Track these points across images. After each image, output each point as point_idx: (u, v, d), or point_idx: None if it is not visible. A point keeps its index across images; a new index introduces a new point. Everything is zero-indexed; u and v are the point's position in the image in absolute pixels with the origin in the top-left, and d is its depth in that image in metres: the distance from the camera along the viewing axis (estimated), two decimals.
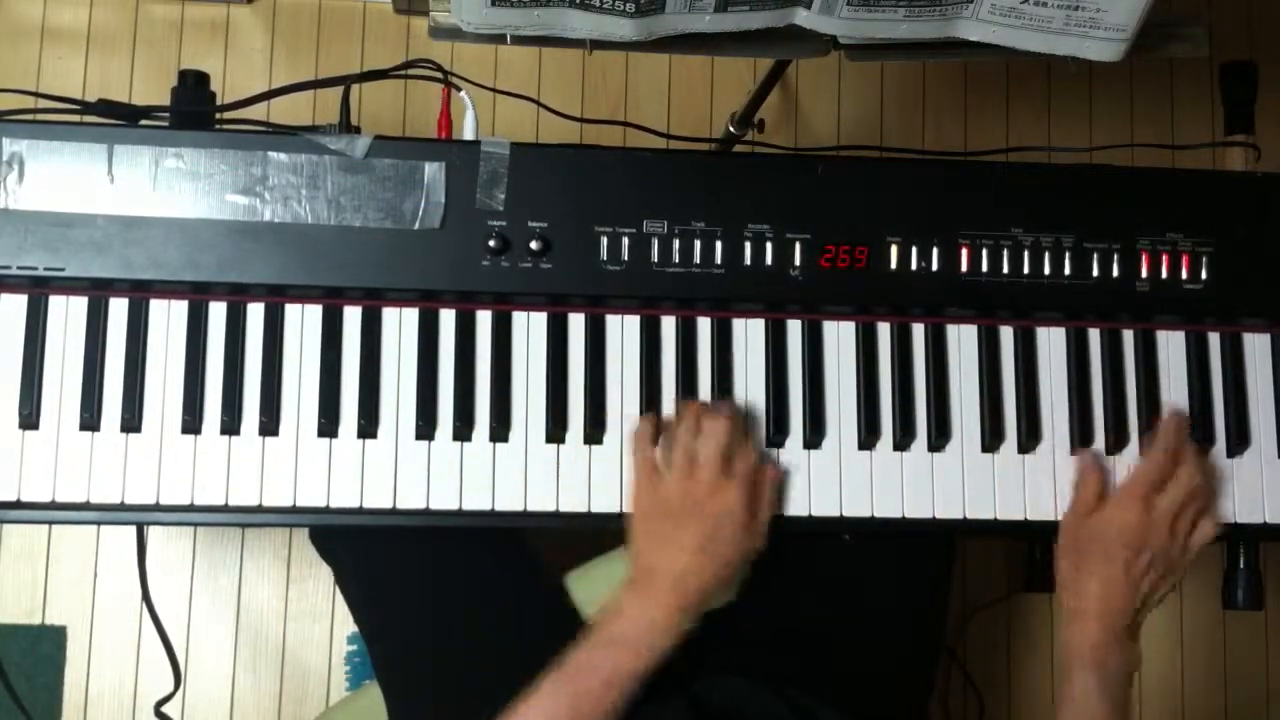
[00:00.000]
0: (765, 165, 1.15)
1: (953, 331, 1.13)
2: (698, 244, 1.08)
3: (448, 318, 1.08)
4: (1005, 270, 1.12)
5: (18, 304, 1.03)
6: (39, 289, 1.03)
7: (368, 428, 1.05)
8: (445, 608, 1.19)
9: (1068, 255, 1.12)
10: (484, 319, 1.08)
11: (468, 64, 1.36)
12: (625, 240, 1.08)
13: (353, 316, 1.06)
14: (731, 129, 1.75)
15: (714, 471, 1.02)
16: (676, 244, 1.08)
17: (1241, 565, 1.18)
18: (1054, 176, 1.16)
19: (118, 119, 1.08)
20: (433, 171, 1.05)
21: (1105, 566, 1.06)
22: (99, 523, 1.05)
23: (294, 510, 1.04)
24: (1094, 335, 1.15)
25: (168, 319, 1.05)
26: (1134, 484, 1.08)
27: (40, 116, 1.07)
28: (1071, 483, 1.11)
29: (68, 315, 1.03)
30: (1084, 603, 1.06)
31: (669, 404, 1.09)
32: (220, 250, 1.03)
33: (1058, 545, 1.10)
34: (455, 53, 1.71)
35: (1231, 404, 1.15)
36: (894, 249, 1.11)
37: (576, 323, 1.09)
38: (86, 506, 1.02)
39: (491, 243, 1.05)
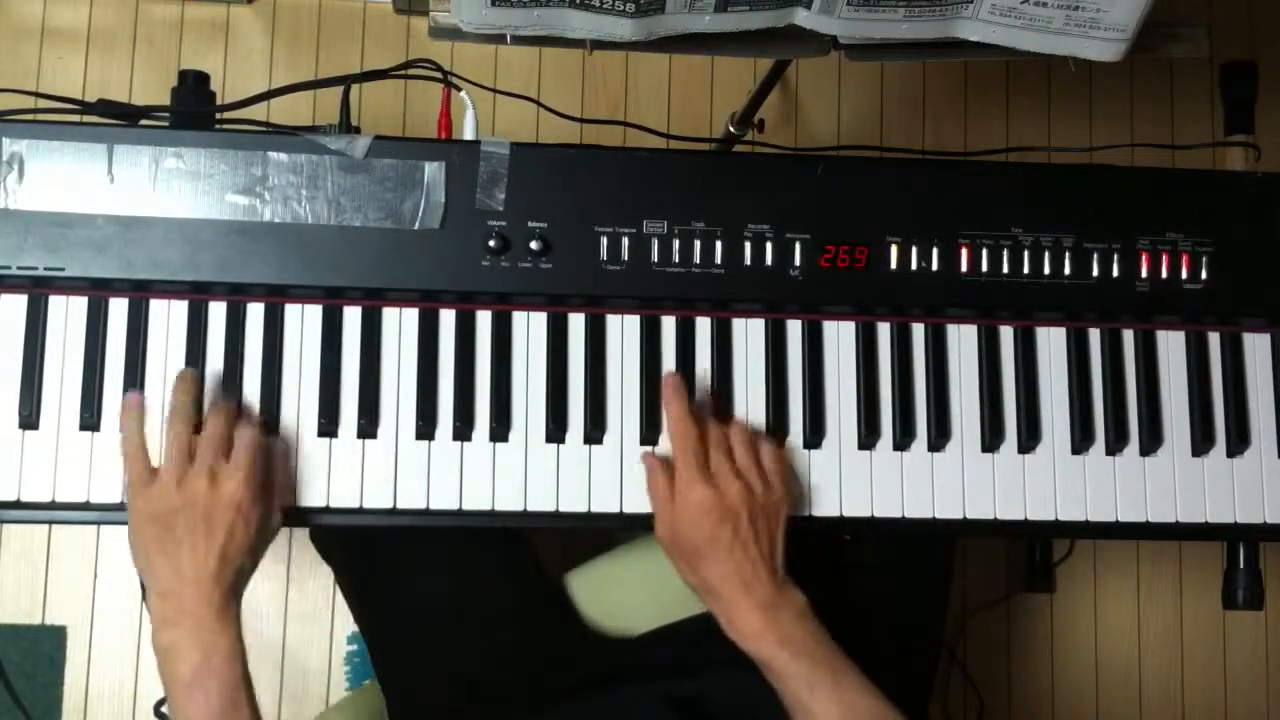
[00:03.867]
0: (765, 165, 1.15)
1: (953, 331, 1.13)
2: (698, 244, 1.08)
3: (448, 318, 1.08)
4: (1005, 270, 1.12)
5: (18, 304, 1.03)
6: (39, 289, 1.03)
7: (368, 428, 1.05)
8: (445, 608, 1.19)
9: (1068, 255, 1.12)
10: (484, 319, 1.08)
11: (468, 64, 1.36)
12: (625, 240, 1.08)
13: (353, 316, 1.06)
14: (731, 129, 1.75)
15: (209, 467, 0.96)
16: (676, 244, 1.08)
17: (1241, 565, 1.18)
18: (1054, 176, 1.16)
19: (118, 119, 1.08)
20: (433, 171, 1.05)
21: (716, 550, 1.01)
22: (99, 523, 1.05)
23: (294, 510, 1.04)
24: (1094, 335, 1.15)
25: (168, 319, 1.05)
26: (681, 465, 1.03)
27: (40, 116, 1.07)
28: (647, 486, 1.06)
29: (68, 315, 1.03)
30: (726, 592, 1.01)
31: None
32: (220, 250, 1.03)
33: (673, 563, 1.05)
34: (455, 53, 1.71)
35: (1231, 404, 1.15)
36: (894, 249, 1.11)
37: (576, 323, 1.09)
38: (86, 506, 1.02)
39: (491, 243, 1.05)
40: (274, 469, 1.01)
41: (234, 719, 0.93)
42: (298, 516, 1.04)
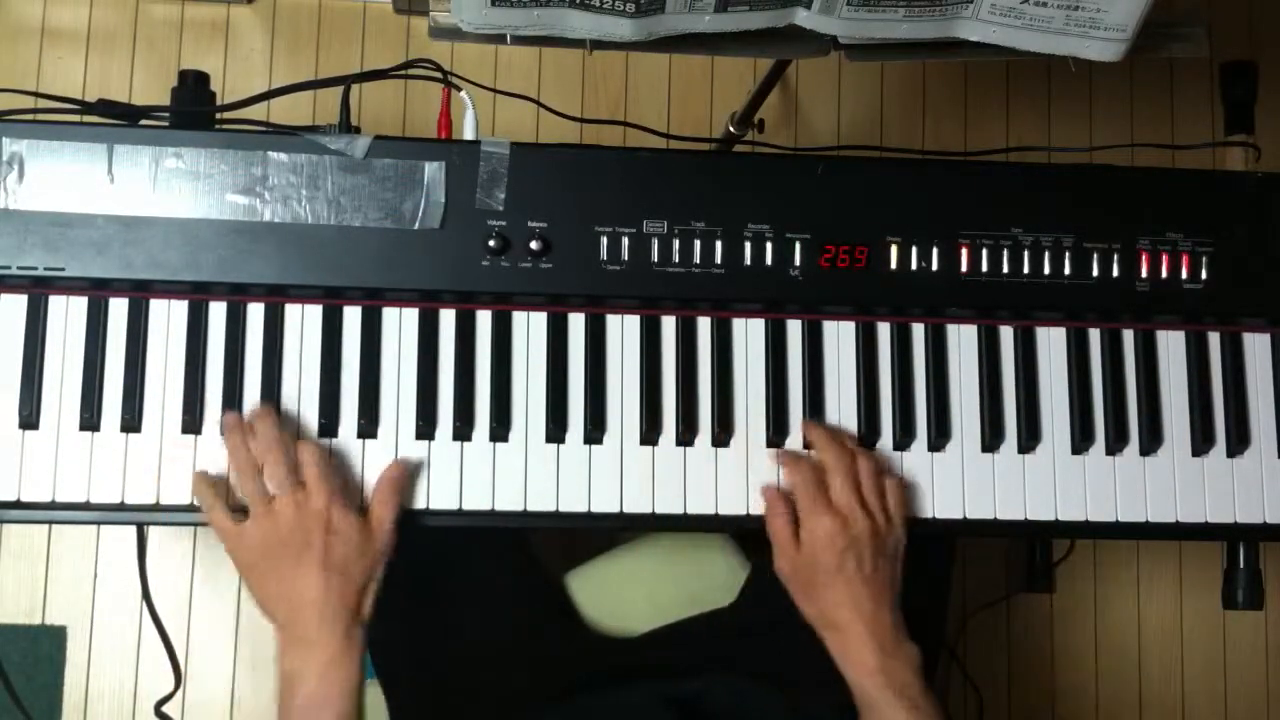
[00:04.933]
0: (765, 165, 1.15)
1: (953, 331, 1.13)
2: (698, 244, 1.08)
3: (448, 318, 1.08)
4: (1005, 270, 1.12)
5: (18, 304, 1.03)
6: (39, 289, 1.03)
7: (368, 428, 1.05)
8: (445, 607, 1.19)
9: (1068, 255, 1.12)
10: (484, 319, 1.08)
11: (468, 64, 1.36)
12: (625, 240, 1.08)
13: (353, 316, 1.06)
14: (731, 129, 1.75)
15: (289, 493, 0.97)
16: (676, 244, 1.08)
17: (1241, 565, 1.18)
18: (1054, 176, 1.16)
19: (118, 119, 1.08)
20: (433, 171, 1.05)
21: (838, 582, 1.02)
22: (99, 523, 1.05)
23: None
24: (1094, 335, 1.15)
25: (168, 319, 1.04)
26: (803, 499, 1.04)
27: (40, 116, 1.07)
28: (767, 522, 1.06)
29: (68, 315, 1.03)
30: (844, 627, 1.02)
31: (669, 404, 1.08)
32: (220, 250, 1.03)
33: (793, 595, 1.05)
34: (455, 53, 1.71)
35: (1231, 404, 1.15)
36: (894, 249, 1.11)
37: (576, 323, 1.09)
38: (86, 506, 1.02)
39: (491, 243, 1.05)
40: (348, 472, 1.02)
41: None
42: None
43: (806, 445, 1.10)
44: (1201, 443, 1.14)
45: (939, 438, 1.11)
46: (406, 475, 1.03)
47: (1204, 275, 1.14)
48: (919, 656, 1.03)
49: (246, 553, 0.99)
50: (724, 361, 1.10)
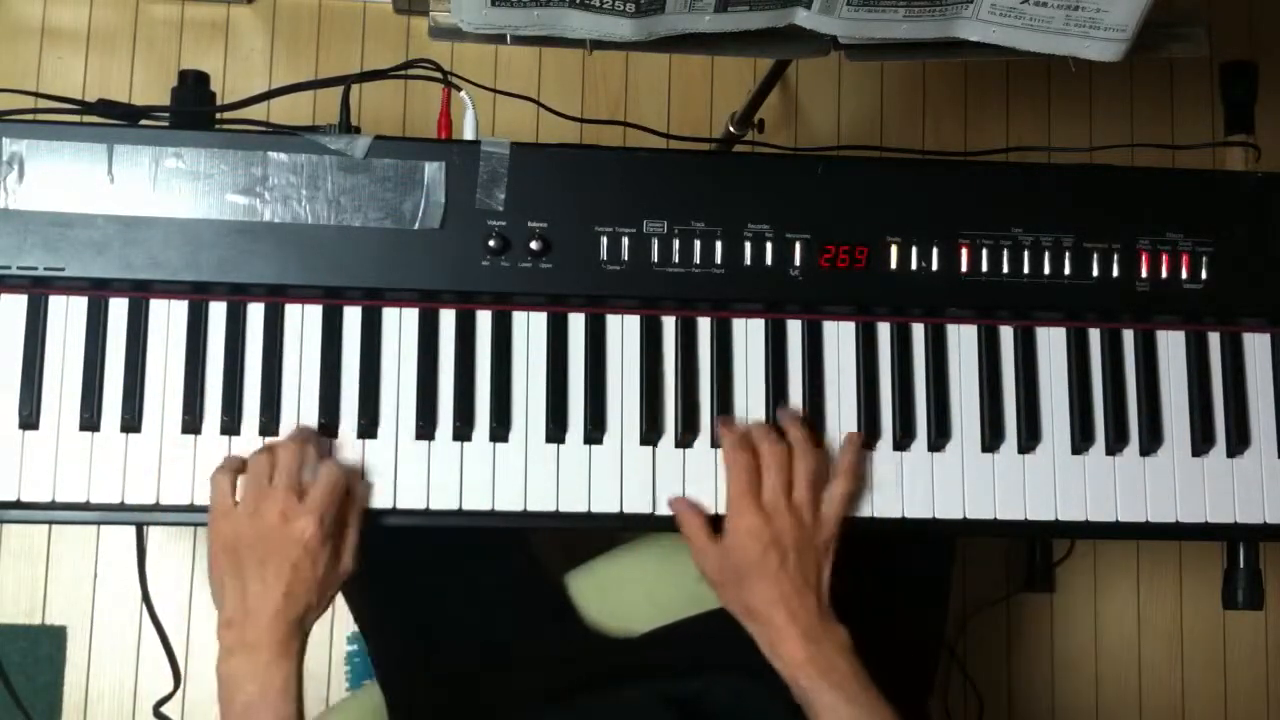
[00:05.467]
0: (765, 165, 1.15)
1: (953, 331, 1.13)
2: (698, 244, 1.08)
3: (448, 318, 1.07)
4: (1005, 270, 1.12)
5: (18, 304, 1.03)
6: (39, 289, 1.03)
7: (368, 428, 1.05)
8: (445, 608, 1.19)
9: (1068, 255, 1.12)
10: (484, 319, 1.08)
11: (468, 64, 1.36)
12: (625, 240, 1.08)
13: (353, 316, 1.06)
14: (731, 129, 1.75)
15: (281, 504, 0.97)
16: (676, 244, 1.08)
17: (1241, 565, 1.18)
18: (1054, 176, 1.16)
19: (118, 119, 1.08)
20: (433, 171, 1.05)
21: (762, 579, 1.02)
22: (99, 523, 1.05)
23: None
24: (1094, 335, 1.15)
25: (168, 319, 1.05)
26: (732, 493, 1.04)
27: (40, 116, 1.07)
28: (681, 528, 1.06)
29: (68, 315, 1.03)
30: (771, 617, 1.02)
31: (669, 404, 1.09)
32: (220, 250, 1.03)
33: (713, 587, 1.06)
34: (455, 53, 1.71)
35: (1231, 404, 1.15)
36: (894, 249, 1.11)
37: (576, 323, 1.09)
38: (86, 506, 1.02)
39: (491, 243, 1.05)
40: (351, 511, 1.02)
41: None
42: None
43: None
44: (1201, 443, 1.14)
45: (939, 438, 1.11)
46: (366, 491, 1.04)
47: (1204, 275, 1.14)
48: (847, 638, 1.02)
49: (223, 532, 0.98)
50: (724, 361, 1.10)
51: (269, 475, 0.98)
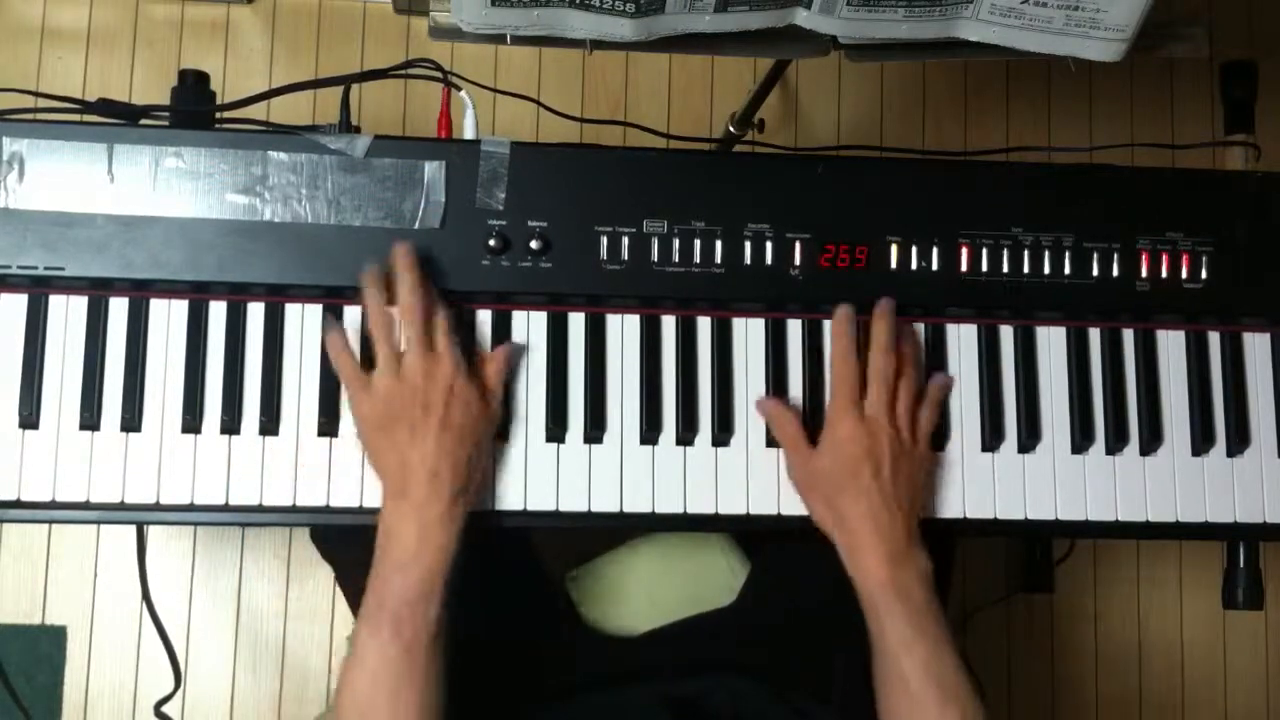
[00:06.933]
0: (765, 165, 1.15)
1: (953, 331, 1.13)
2: (698, 244, 1.08)
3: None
4: (1005, 270, 1.12)
5: (18, 304, 1.03)
6: (39, 289, 1.03)
7: None
8: (445, 607, 1.19)
9: (1068, 255, 1.12)
10: (484, 318, 1.08)
11: (468, 64, 1.36)
12: (625, 240, 1.08)
13: (353, 316, 1.06)
14: (731, 129, 1.75)
15: (418, 355, 0.99)
16: (676, 244, 1.08)
17: (1241, 565, 1.18)
18: (1054, 176, 1.16)
19: (118, 119, 1.08)
20: (433, 171, 1.05)
21: (854, 488, 1.02)
22: (99, 522, 1.05)
23: (294, 510, 1.04)
24: (1094, 335, 1.15)
25: (168, 319, 1.04)
26: (836, 397, 1.05)
27: (40, 116, 1.07)
28: (774, 432, 1.07)
29: (68, 315, 1.03)
30: (856, 536, 1.01)
31: (669, 404, 1.09)
32: (220, 250, 1.03)
33: (800, 493, 1.06)
34: (455, 53, 1.71)
35: (1231, 404, 1.15)
36: (894, 249, 1.11)
37: (576, 322, 1.09)
38: (86, 506, 1.02)
39: (491, 242, 1.05)
40: (484, 357, 1.04)
41: (429, 604, 0.96)
42: (298, 516, 1.04)
43: (807, 444, 1.09)
44: (1201, 442, 1.14)
45: (939, 437, 1.11)
46: (516, 351, 1.06)
47: (1204, 275, 1.14)
48: (929, 568, 1.02)
49: (370, 406, 0.99)
50: (724, 361, 1.10)
51: (392, 334, 1.00)
